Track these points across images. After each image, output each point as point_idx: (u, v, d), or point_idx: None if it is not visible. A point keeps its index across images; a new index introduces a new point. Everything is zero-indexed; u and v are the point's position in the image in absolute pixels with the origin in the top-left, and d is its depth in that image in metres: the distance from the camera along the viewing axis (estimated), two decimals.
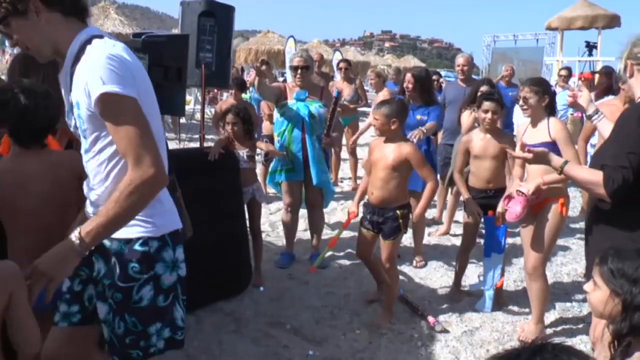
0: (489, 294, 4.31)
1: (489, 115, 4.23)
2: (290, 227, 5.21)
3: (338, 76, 9.13)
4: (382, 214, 3.98)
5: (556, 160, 2.68)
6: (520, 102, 3.95)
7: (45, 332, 2.12)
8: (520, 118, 10.25)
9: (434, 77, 9.05)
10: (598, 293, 1.80)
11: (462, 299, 4.48)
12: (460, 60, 6.49)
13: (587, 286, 1.87)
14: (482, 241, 4.76)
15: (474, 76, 6.92)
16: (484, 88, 5.37)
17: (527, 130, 3.91)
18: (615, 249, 1.84)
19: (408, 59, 37.66)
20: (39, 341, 1.91)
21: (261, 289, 4.52)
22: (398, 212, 3.92)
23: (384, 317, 4.09)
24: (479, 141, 4.35)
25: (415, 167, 3.93)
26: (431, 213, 6.47)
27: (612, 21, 14.72)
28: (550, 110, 3.82)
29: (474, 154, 4.37)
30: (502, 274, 4.35)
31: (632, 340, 1.70)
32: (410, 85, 5.33)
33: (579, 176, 2.57)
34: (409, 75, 5.41)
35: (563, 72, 9.85)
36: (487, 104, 4.25)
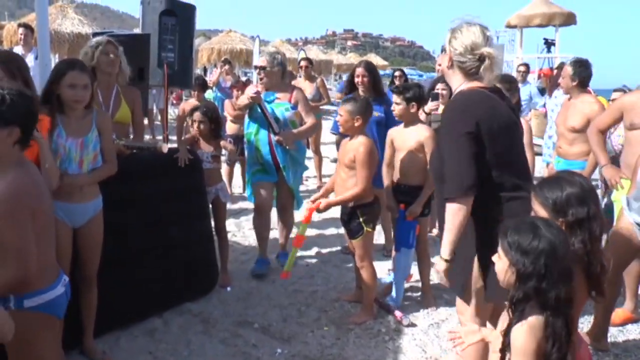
0: (399, 287, 4.36)
1: (393, 107, 4.26)
2: (261, 232, 4.97)
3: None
4: (346, 213, 4.01)
5: None
6: None
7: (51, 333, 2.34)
8: None
9: (397, 74, 9.14)
10: (500, 263, 2.00)
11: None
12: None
13: (495, 257, 2.06)
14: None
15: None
16: (439, 85, 5.42)
17: None
18: (514, 223, 2.02)
19: (371, 57, 37.81)
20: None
21: (228, 289, 4.51)
22: (358, 211, 3.91)
23: (361, 315, 4.10)
24: (397, 134, 4.33)
25: (356, 165, 3.86)
26: None
27: (569, 19, 15.07)
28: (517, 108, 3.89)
29: (394, 146, 4.31)
30: (410, 270, 4.39)
31: (526, 307, 1.92)
32: (365, 79, 5.08)
33: None
34: (360, 69, 5.13)
35: (521, 68, 10.03)
36: (393, 97, 4.28)
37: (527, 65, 10.56)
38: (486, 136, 2.52)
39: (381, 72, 35.65)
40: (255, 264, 4.91)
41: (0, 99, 2.09)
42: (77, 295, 3.23)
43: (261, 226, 4.94)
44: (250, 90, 4.58)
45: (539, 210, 2.26)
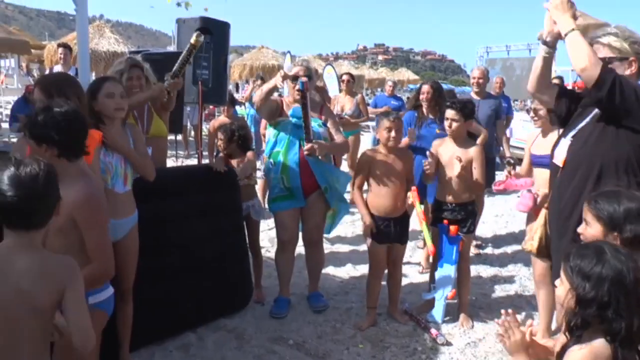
0: (439, 304, 4.28)
1: (447, 122, 4.19)
2: (284, 268, 4.53)
3: (337, 90, 9.12)
4: (399, 223, 4.17)
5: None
6: (531, 113, 3.99)
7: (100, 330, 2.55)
8: (518, 129, 10.28)
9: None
10: (562, 287, 1.89)
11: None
12: (475, 72, 6.51)
13: (557, 281, 1.96)
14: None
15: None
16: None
17: (536, 141, 3.94)
18: (579, 247, 1.92)
19: (402, 71, 37.84)
20: (91, 338, 1.95)
21: (262, 305, 4.49)
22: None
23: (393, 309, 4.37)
24: (446, 149, 4.25)
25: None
26: None
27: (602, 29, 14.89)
28: None
29: (441, 162, 4.23)
30: (455, 286, 4.24)
31: (583, 332, 1.81)
32: (429, 96, 5.28)
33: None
34: (426, 87, 5.37)
35: (556, 81, 9.89)
36: (447, 112, 4.20)
37: (561, 79, 10.41)
38: None
39: (411, 87, 35.56)
40: (274, 304, 4.45)
41: (32, 120, 2.25)
42: (115, 309, 3.26)
43: (285, 263, 4.53)
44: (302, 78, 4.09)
45: (592, 222, 2.16)
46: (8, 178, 1.81)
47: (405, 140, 4.94)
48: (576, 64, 2.53)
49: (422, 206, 5.55)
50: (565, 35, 2.64)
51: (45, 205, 1.88)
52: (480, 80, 6.39)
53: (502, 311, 2.16)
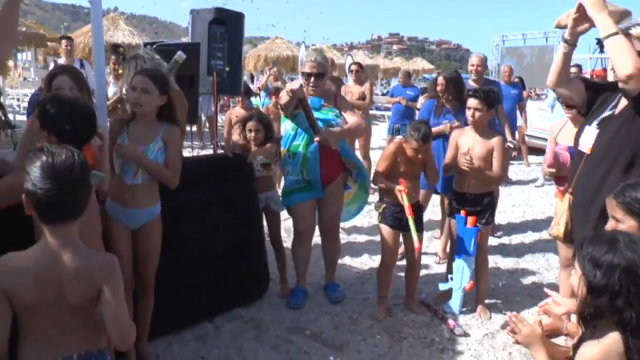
0: (457, 295, 4.25)
1: (470, 112, 4.13)
2: (301, 259, 4.54)
3: (350, 80, 9.10)
4: (413, 210, 4.02)
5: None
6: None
7: None
8: (535, 118, 10.16)
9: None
10: (575, 277, 1.85)
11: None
12: (474, 60, 6.38)
13: (573, 271, 1.92)
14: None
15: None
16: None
17: (562, 130, 3.87)
18: (593, 235, 1.88)
19: (417, 61, 37.46)
20: (129, 335, 1.94)
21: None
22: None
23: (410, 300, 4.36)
24: (467, 139, 4.20)
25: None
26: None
27: (623, 16, 14.55)
28: None
29: (461, 152, 4.16)
30: (472, 277, 4.20)
31: (597, 324, 1.78)
32: (442, 88, 5.26)
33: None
34: (440, 78, 5.34)
35: (573, 70, 9.78)
36: (470, 101, 4.14)
37: (579, 67, 10.27)
38: None
39: (426, 76, 35.18)
40: (291, 294, 4.48)
41: (43, 107, 2.39)
42: (134, 300, 3.29)
43: (302, 254, 4.54)
44: (293, 85, 4.08)
45: (624, 218, 2.07)
46: (43, 169, 1.77)
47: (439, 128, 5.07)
48: (620, 70, 2.42)
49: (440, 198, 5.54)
50: (606, 37, 2.52)
51: (81, 195, 1.87)
52: (479, 68, 6.27)
53: (507, 314, 2.11)
